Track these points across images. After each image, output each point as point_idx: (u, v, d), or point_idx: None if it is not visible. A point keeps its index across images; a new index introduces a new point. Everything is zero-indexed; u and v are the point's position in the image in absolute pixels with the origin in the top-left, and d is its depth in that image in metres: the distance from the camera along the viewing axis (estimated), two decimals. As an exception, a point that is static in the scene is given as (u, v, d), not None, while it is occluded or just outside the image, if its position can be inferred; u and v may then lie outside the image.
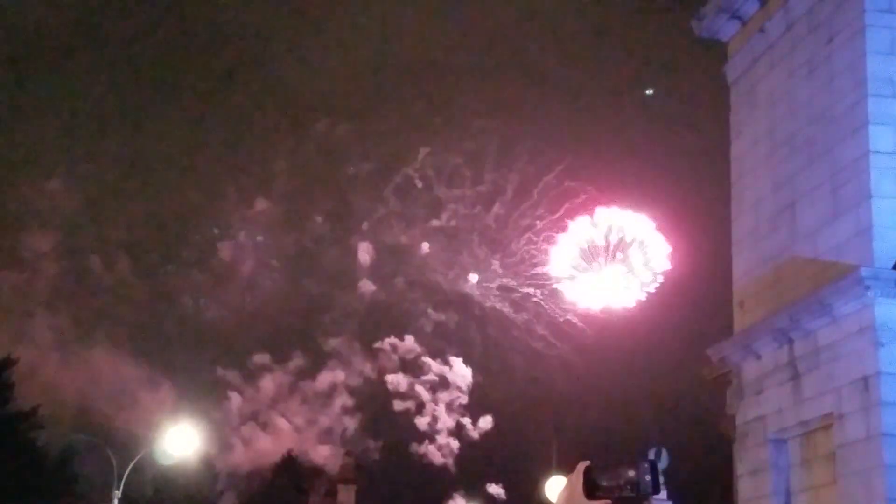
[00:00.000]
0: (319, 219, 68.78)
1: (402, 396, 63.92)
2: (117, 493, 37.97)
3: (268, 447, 62.09)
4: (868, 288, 17.71)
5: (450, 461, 63.05)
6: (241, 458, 60.61)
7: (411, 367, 64.57)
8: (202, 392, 57.63)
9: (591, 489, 5.46)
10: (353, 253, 67.03)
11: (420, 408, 64.16)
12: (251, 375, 64.06)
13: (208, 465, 55.38)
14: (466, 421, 64.26)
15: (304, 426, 63.47)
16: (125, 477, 38.41)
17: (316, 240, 68.92)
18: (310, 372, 65.42)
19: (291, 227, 69.27)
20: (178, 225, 70.04)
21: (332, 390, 64.73)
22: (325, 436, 62.59)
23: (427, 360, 64.52)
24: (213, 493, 59.08)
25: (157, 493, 54.59)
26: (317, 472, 58.89)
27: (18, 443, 48.33)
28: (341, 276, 67.16)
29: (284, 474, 62.14)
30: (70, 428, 51.82)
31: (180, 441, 39.79)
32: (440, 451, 63.08)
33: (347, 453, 34.66)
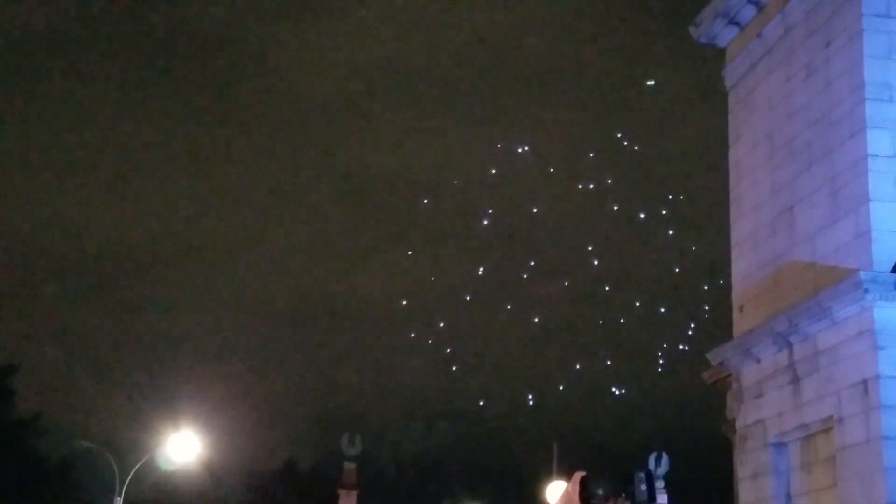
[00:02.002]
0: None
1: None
2: (119, 500, 37.96)
3: (258, 454, 61.98)
4: (867, 291, 17.74)
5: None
6: (238, 463, 60.54)
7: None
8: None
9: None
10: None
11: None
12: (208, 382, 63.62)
13: (210, 470, 55.33)
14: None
15: (266, 430, 63.12)
16: (127, 483, 38.40)
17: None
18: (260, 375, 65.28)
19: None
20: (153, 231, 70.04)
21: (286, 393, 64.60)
22: (288, 438, 62.40)
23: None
24: (215, 499, 59.04)
25: (159, 499, 54.59)
26: (317, 477, 58.87)
27: (20, 450, 48.34)
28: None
29: (284, 480, 62.17)
30: (71, 434, 51.80)
31: (182, 447, 39.77)
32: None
33: (349, 459, 34.52)
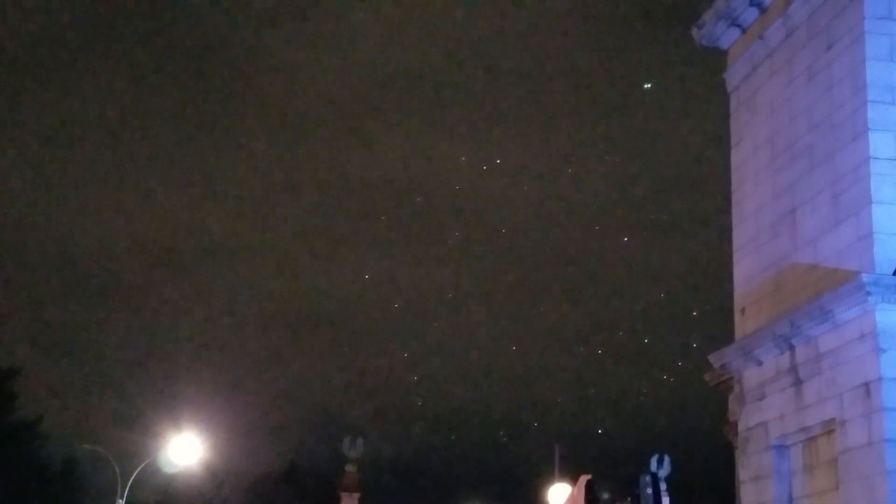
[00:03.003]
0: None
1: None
2: (121, 502, 38.01)
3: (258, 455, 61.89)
4: (869, 294, 17.73)
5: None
6: (240, 466, 60.52)
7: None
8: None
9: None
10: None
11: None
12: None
13: (212, 473, 55.32)
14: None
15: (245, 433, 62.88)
16: (129, 486, 38.43)
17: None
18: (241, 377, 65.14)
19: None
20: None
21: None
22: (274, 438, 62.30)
23: None
24: (216, 502, 59.06)
25: (161, 502, 54.60)
26: (318, 480, 58.85)
27: (23, 453, 48.35)
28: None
29: (286, 483, 62.18)
30: (74, 437, 51.81)
31: (184, 449, 39.80)
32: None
33: (351, 461, 34.47)
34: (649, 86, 56.94)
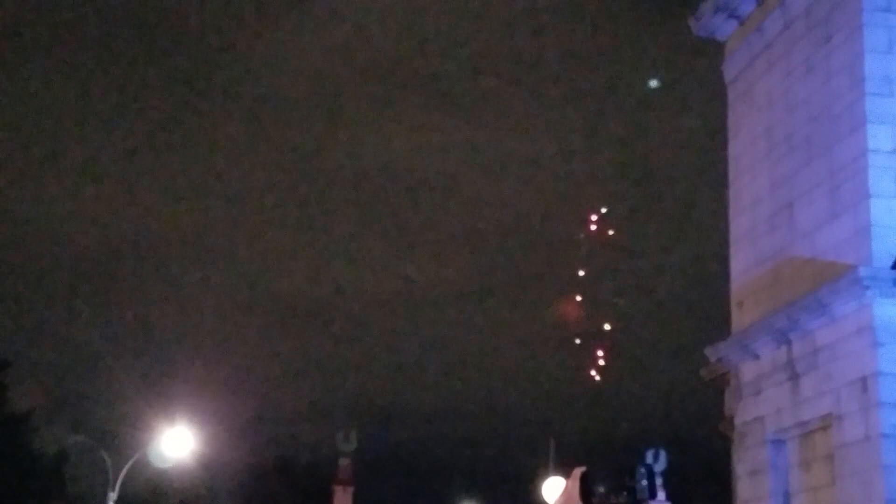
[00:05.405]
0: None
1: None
2: (113, 496, 37.88)
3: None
4: (866, 288, 17.64)
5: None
6: (233, 459, 60.35)
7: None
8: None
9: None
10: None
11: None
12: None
13: (204, 466, 55.17)
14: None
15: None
16: (120, 479, 38.30)
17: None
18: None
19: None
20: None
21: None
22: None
23: None
24: (209, 495, 58.93)
25: (153, 496, 54.44)
26: (312, 473, 58.73)
27: (14, 445, 48.18)
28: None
29: (279, 476, 62.02)
30: (65, 430, 51.63)
31: (176, 443, 39.65)
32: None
33: (345, 454, 34.43)
34: (655, 83, 55.75)
